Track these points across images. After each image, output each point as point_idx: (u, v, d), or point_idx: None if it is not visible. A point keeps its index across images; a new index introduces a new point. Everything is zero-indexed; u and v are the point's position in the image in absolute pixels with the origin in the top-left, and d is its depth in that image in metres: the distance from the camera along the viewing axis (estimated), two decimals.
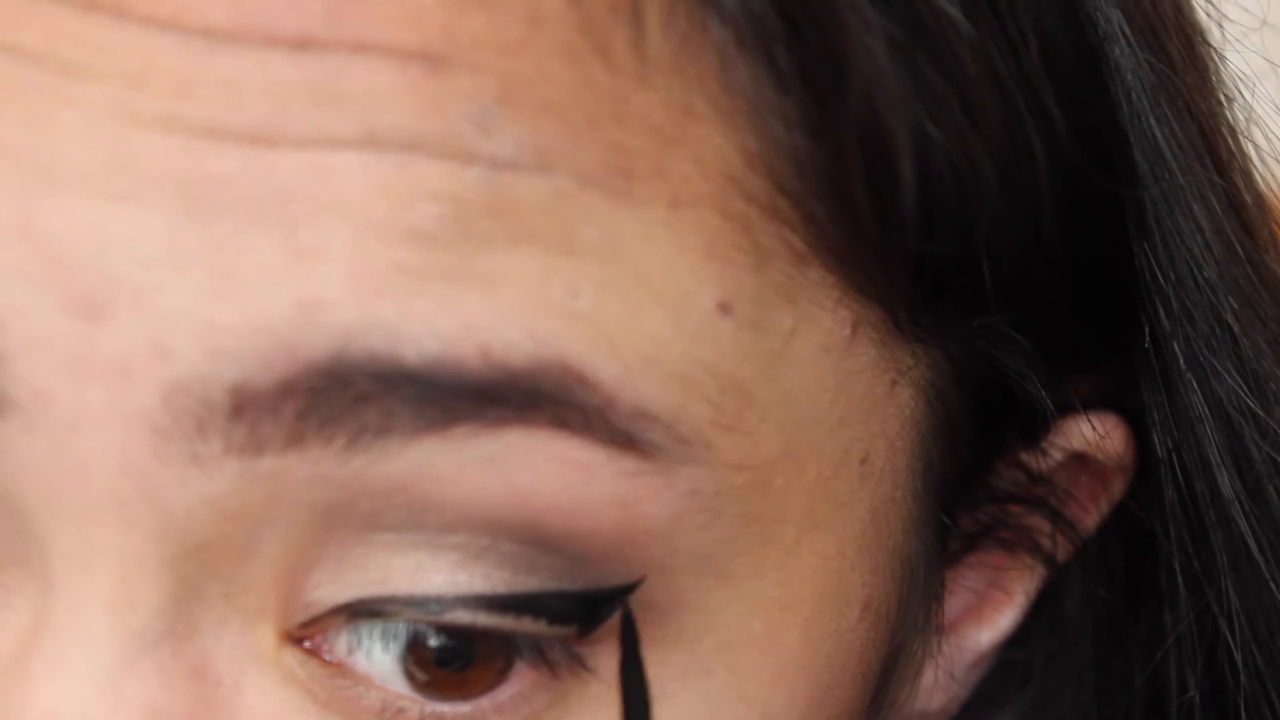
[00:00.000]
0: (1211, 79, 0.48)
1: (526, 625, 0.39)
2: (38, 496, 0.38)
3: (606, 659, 0.40)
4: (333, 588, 0.39)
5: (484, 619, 0.39)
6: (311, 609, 0.39)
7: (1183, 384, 0.46)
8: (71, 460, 0.38)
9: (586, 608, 0.39)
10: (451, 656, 0.40)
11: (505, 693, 0.40)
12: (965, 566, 0.48)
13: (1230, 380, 0.46)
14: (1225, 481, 0.46)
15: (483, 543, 0.38)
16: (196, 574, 0.39)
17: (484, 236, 0.37)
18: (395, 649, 0.40)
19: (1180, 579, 0.48)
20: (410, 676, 0.40)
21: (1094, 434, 0.47)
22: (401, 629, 0.40)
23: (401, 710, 0.39)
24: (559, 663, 0.40)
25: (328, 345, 0.37)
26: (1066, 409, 0.47)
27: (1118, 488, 0.48)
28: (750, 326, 0.39)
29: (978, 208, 0.41)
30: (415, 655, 0.40)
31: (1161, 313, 0.46)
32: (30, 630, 0.39)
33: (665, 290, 0.38)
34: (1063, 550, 0.49)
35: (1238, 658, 0.47)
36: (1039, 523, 0.48)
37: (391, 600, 0.39)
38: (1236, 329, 0.46)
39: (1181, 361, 0.46)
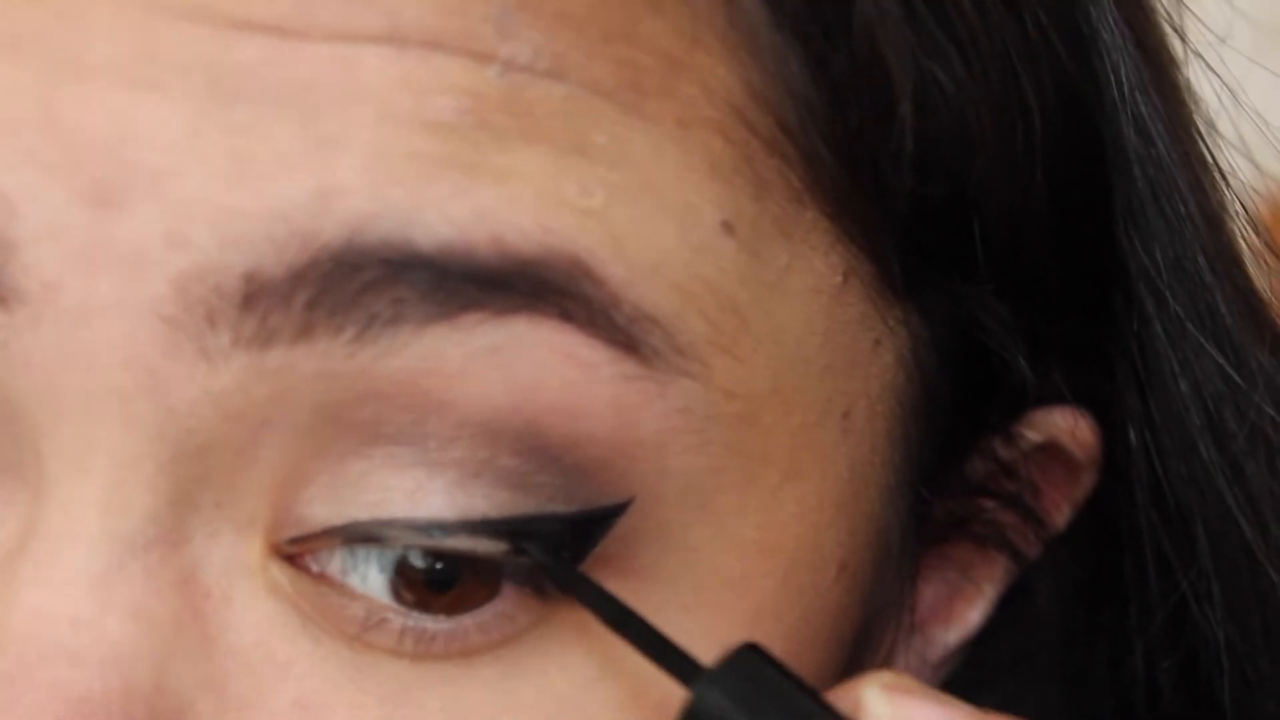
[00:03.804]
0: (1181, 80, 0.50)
1: (521, 552, 0.39)
2: (37, 393, 0.39)
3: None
4: (328, 506, 0.39)
5: (483, 545, 0.39)
6: (304, 525, 0.40)
7: (1167, 366, 0.47)
8: (76, 354, 0.38)
9: (580, 532, 0.39)
10: (441, 578, 0.40)
11: (489, 611, 0.40)
12: (937, 558, 0.49)
13: (1214, 360, 0.47)
14: (1211, 459, 0.47)
15: (481, 456, 0.39)
16: (192, 480, 0.39)
17: (499, 131, 0.38)
18: (388, 572, 0.40)
19: (1151, 568, 0.49)
20: (398, 596, 0.40)
21: (1068, 423, 0.48)
22: (393, 553, 0.40)
23: (384, 621, 0.40)
24: (545, 586, 0.40)
25: (341, 231, 0.37)
26: (1039, 398, 0.47)
27: (1086, 483, 0.49)
28: (749, 252, 0.40)
29: (971, 156, 0.42)
30: (405, 577, 0.40)
31: (1146, 294, 0.47)
32: (19, 537, 0.39)
33: (672, 201, 0.39)
34: (1032, 547, 0.49)
35: (1219, 636, 0.48)
36: (1010, 518, 0.49)
37: (389, 524, 0.39)
38: (1222, 309, 0.47)
39: (1166, 343, 0.47)
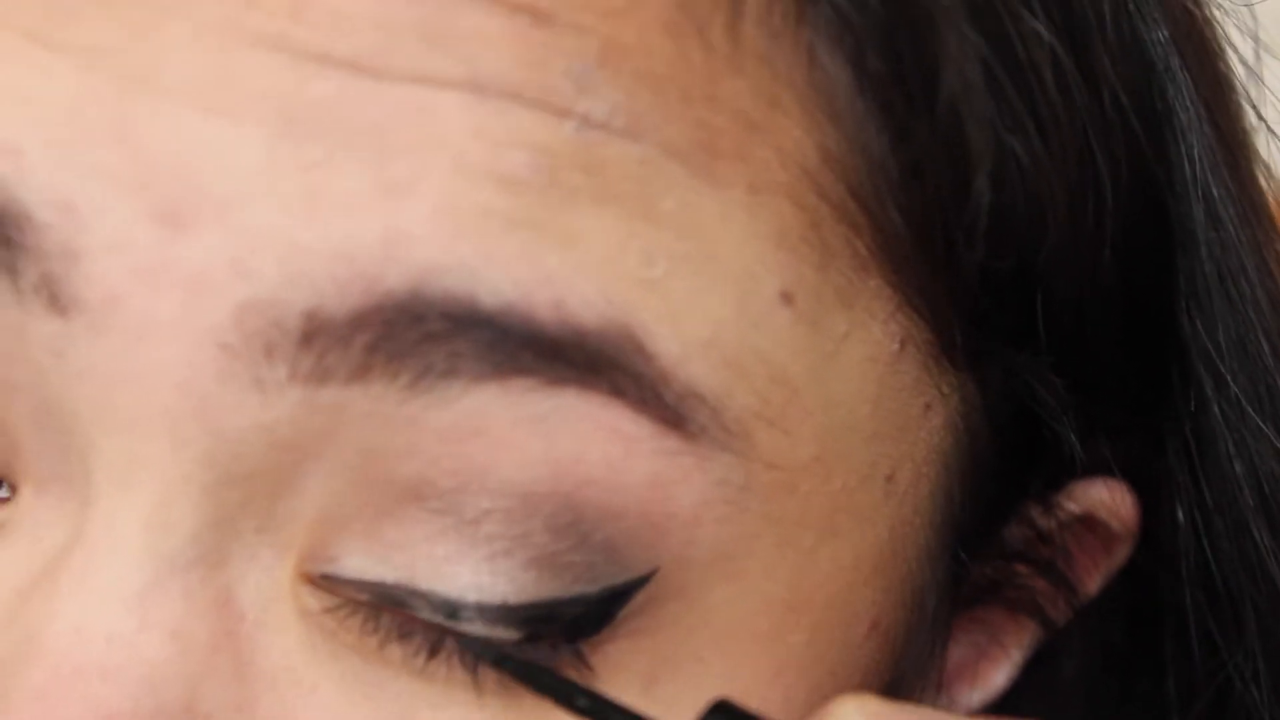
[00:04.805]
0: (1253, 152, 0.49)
1: (539, 639, 0.39)
2: (90, 405, 0.38)
3: (608, 654, 0.40)
4: (359, 558, 0.39)
5: (498, 633, 0.39)
6: (336, 566, 0.39)
7: (1223, 447, 0.47)
8: (132, 370, 0.38)
9: (601, 612, 0.39)
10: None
11: None
12: (968, 620, 0.49)
13: (1271, 444, 0.46)
14: (1264, 542, 0.47)
15: (515, 532, 0.38)
16: (236, 504, 0.39)
17: (571, 190, 0.37)
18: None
19: (1195, 645, 0.49)
20: None
21: (1108, 497, 0.47)
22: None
23: (407, 634, 0.39)
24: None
25: (406, 279, 0.37)
26: (1084, 468, 0.47)
27: (1121, 554, 0.49)
28: (807, 322, 0.40)
29: (1043, 232, 0.42)
30: None
31: (1206, 375, 0.46)
32: (62, 548, 0.39)
33: (733, 271, 0.39)
34: (1061, 613, 0.49)
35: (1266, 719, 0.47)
36: (1042, 584, 0.48)
37: (414, 594, 0.39)
38: None
39: (1223, 424, 0.46)
